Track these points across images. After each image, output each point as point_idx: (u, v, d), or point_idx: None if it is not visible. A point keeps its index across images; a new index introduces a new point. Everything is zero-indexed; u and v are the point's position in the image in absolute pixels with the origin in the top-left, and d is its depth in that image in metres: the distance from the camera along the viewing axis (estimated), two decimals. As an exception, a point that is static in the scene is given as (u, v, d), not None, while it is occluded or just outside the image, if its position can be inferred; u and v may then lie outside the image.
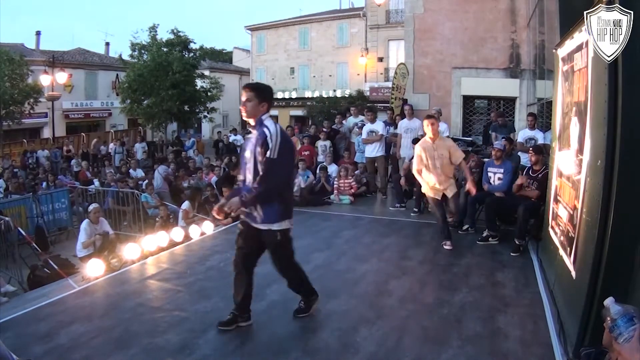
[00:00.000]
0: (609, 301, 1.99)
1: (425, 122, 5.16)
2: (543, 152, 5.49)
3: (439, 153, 5.11)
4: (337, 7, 31.04)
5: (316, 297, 3.52)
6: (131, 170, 11.49)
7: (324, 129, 9.50)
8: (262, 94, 3.13)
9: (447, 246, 5.21)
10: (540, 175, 5.20)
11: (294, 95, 28.25)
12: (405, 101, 10.35)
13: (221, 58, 36.92)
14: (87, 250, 6.07)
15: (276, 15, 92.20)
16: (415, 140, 7.23)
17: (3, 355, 2.58)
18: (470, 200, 5.77)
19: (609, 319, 1.94)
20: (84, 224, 6.29)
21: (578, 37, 3.27)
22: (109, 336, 3.02)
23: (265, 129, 3.01)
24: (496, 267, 4.67)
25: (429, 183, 5.24)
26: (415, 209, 6.88)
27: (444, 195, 5.30)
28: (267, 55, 29.63)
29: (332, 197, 7.85)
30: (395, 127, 8.20)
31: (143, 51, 19.31)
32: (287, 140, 3.13)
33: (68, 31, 74.43)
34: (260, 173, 3.01)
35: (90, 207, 6.50)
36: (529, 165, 5.52)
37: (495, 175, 5.73)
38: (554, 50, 4.44)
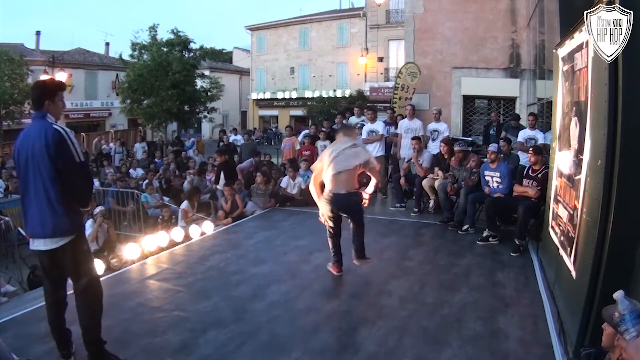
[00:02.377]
0: (619, 294, 1.95)
1: None
2: (543, 152, 5.49)
3: None
4: (337, 7, 31.17)
5: None
6: (131, 170, 11.49)
7: (324, 129, 9.49)
8: None
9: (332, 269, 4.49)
10: (540, 175, 5.20)
11: (294, 95, 28.30)
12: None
13: (221, 58, 36.95)
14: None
15: (276, 15, 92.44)
16: (415, 139, 7.23)
17: (3, 355, 2.58)
18: (470, 200, 5.77)
19: (616, 313, 1.90)
20: (88, 222, 6.27)
21: (578, 37, 3.27)
22: (108, 336, 3.01)
23: None
24: (496, 267, 4.67)
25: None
26: (415, 209, 6.89)
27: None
28: (267, 55, 29.68)
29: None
30: (396, 127, 8.20)
31: (143, 51, 19.32)
32: None
33: (68, 31, 74.58)
34: None
35: (96, 210, 6.48)
36: (529, 165, 5.51)
37: (493, 179, 5.63)
38: (554, 50, 4.44)
